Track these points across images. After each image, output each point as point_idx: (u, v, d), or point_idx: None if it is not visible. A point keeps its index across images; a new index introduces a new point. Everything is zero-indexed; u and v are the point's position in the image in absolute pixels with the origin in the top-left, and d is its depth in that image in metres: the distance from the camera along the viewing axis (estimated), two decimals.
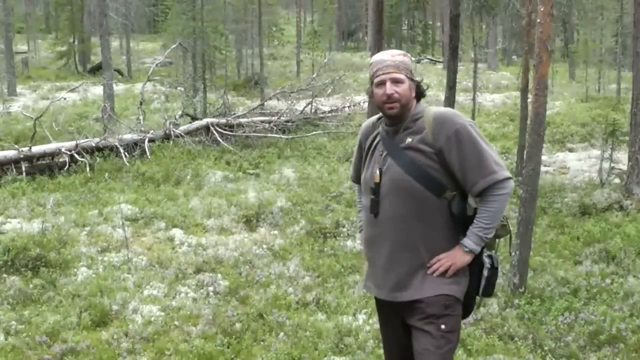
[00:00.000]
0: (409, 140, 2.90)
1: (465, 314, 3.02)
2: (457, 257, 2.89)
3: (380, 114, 3.04)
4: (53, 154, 11.34)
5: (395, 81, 2.89)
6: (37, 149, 11.17)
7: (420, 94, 2.99)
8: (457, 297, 2.90)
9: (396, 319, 3.04)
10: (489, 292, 2.98)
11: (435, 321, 2.85)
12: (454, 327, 2.90)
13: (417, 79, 2.97)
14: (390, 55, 2.95)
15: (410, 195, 2.87)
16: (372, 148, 3.06)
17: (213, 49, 20.31)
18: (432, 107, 2.99)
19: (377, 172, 2.95)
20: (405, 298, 2.93)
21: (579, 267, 7.09)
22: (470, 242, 2.88)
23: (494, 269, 2.95)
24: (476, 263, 2.93)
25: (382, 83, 2.91)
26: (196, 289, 6.31)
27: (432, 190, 2.86)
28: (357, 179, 3.24)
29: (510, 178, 2.86)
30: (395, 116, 2.93)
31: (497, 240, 3.03)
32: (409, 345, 2.96)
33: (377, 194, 2.94)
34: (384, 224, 2.94)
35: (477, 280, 2.95)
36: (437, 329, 2.84)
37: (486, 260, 2.94)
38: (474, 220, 2.88)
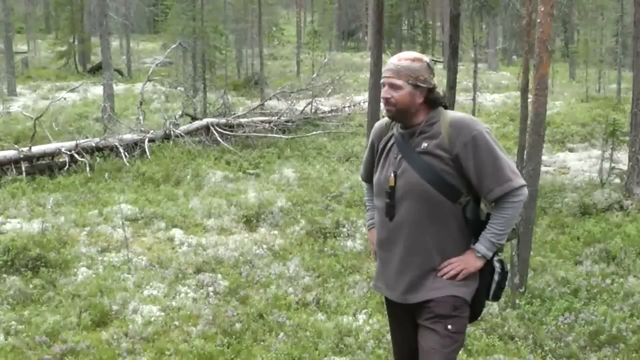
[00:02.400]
0: (424, 144, 2.89)
1: (474, 317, 3.04)
2: (469, 262, 2.90)
3: None
4: (53, 154, 11.33)
5: (392, 86, 2.90)
6: (37, 149, 11.16)
7: (432, 100, 2.94)
8: (465, 299, 2.92)
9: (406, 319, 3.07)
10: (498, 296, 3.01)
11: (442, 321, 2.88)
12: (461, 328, 2.92)
13: (425, 85, 2.90)
14: (397, 59, 2.94)
15: (425, 200, 2.88)
16: (385, 150, 3.05)
17: (213, 49, 20.31)
18: (449, 111, 2.97)
19: (392, 175, 2.95)
20: (416, 300, 2.96)
21: (579, 267, 7.10)
22: (482, 247, 2.89)
23: (504, 273, 2.98)
24: (486, 267, 2.95)
25: (383, 85, 2.96)
26: (196, 289, 6.31)
27: (447, 195, 2.87)
28: (366, 177, 3.28)
29: (525, 185, 2.87)
30: (391, 118, 2.98)
31: (505, 243, 3.03)
32: (418, 344, 2.98)
33: (393, 197, 2.95)
34: (399, 227, 2.95)
35: (487, 284, 2.97)
36: (444, 329, 2.87)
37: (497, 265, 2.96)
38: (487, 226, 2.90)
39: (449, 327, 2.87)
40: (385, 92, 2.92)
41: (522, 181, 2.87)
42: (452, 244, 2.92)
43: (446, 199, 2.87)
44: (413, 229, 2.91)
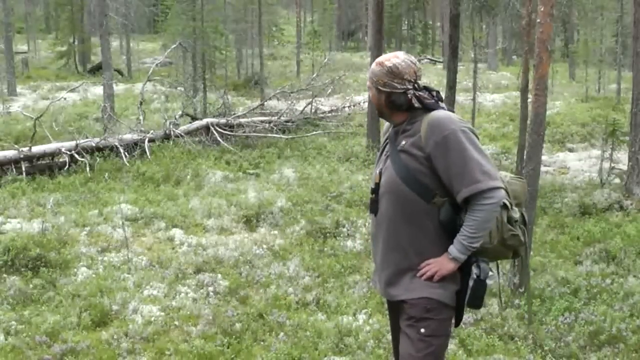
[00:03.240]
0: (403, 142, 2.90)
1: (456, 323, 2.98)
2: (442, 264, 2.87)
3: None
4: (53, 154, 11.33)
5: (368, 86, 3.05)
6: (37, 149, 11.16)
7: (390, 104, 2.93)
8: (441, 301, 2.87)
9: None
10: (475, 303, 2.92)
11: (415, 324, 2.86)
12: (436, 331, 2.87)
13: (385, 89, 2.91)
14: (375, 62, 3.02)
15: (400, 198, 2.88)
16: (382, 148, 3.11)
17: (213, 49, 20.30)
18: (436, 111, 2.89)
19: (378, 172, 3.01)
20: (395, 297, 2.97)
21: (579, 267, 7.09)
22: (454, 249, 2.85)
23: (479, 281, 2.87)
24: (466, 272, 2.90)
25: None
26: (196, 289, 6.31)
27: (420, 195, 2.85)
28: None
29: (498, 188, 2.78)
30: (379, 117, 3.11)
31: (510, 250, 2.99)
32: None
33: (376, 193, 2.98)
34: (380, 224, 2.99)
35: (465, 290, 2.91)
36: (417, 332, 2.85)
37: (473, 271, 2.88)
38: (461, 229, 2.84)
39: (422, 330, 2.84)
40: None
41: (494, 183, 2.77)
42: (430, 245, 2.89)
43: (420, 199, 2.85)
44: (390, 226, 2.93)
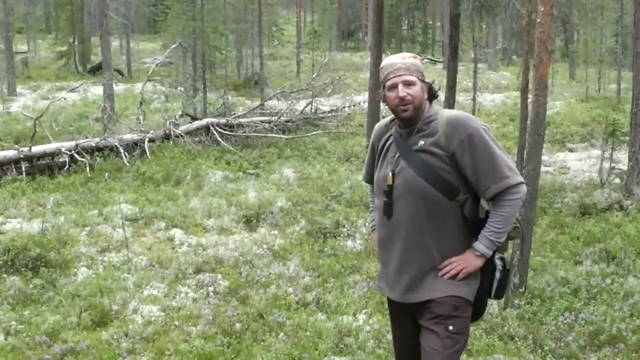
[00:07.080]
0: (421, 142, 2.90)
1: (476, 317, 3.02)
2: (469, 261, 2.89)
3: (393, 115, 3.05)
4: (53, 154, 11.34)
5: (407, 83, 2.89)
6: (37, 149, 11.17)
7: (432, 95, 2.99)
8: (467, 299, 2.91)
9: (408, 319, 3.06)
10: (500, 294, 3.00)
11: (443, 322, 2.87)
12: (462, 328, 2.90)
13: (426, 80, 2.97)
14: (400, 58, 2.95)
15: (422, 198, 2.87)
16: (384, 150, 3.06)
17: (213, 49, 20.30)
18: (446, 109, 2.98)
19: (390, 174, 2.96)
20: (416, 299, 2.95)
21: (579, 267, 7.10)
22: (481, 246, 2.88)
23: (505, 271, 2.96)
24: (488, 265, 2.94)
25: (394, 86, 2.91)
26: (196, 289, 6.31)
27: (444, 193, 2.86)
28: (369, 179, 3.27)
29: (522, 183, 2.86)
30: (409, 118, 2.93)
31: (508, 241, 3.03)
32: (419, 345, 2.97)
33: (390, 196, 2.95)
34: (397, 226, 2.95)
35: (489, 282, 2.96)
36: (445, 330, 2.86)
37: (498, 263, 2.95)
38: (486, 224, 2.88)
39: (450, 327, 2.86)
40: (401, 90, 2.88)
41: (520, 178, 2.86)
42: (452, 243, 2.91)
43: (443, 197, 2.86)
44: (411, 228, 2.91)
